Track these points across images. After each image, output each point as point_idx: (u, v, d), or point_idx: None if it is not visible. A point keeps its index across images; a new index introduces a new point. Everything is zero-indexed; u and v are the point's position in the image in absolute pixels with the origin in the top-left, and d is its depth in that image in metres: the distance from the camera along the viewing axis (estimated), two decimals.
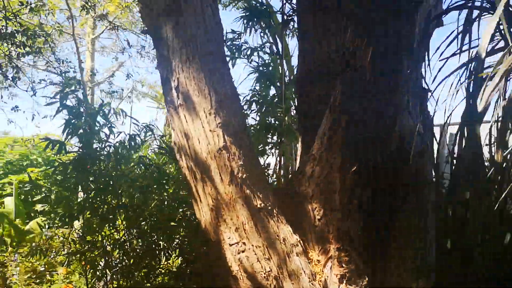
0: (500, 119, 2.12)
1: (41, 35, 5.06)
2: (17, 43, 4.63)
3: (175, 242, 3.34)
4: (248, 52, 3.45)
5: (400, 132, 2.24)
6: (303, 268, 2.02)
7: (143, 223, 3.37)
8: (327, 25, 2.69)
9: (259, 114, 3.44)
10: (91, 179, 3.27)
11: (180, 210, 3.42)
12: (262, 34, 3.60)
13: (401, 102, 2.21)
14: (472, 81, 2.03)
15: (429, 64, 2.17)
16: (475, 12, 2.21)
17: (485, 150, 2.31)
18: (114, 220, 3.26)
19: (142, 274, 3.35)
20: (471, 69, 2.10)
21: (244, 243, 2.02)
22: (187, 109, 2.17)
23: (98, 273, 3.34)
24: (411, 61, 2.14)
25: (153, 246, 3.35)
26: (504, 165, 2.16)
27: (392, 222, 2.23)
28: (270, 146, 3.59)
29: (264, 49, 3.62)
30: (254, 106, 3.55)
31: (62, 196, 3.33)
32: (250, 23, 3.30)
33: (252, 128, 3.58)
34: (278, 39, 3.89)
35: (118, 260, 3.38)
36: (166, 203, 3.42)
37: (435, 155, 2.42)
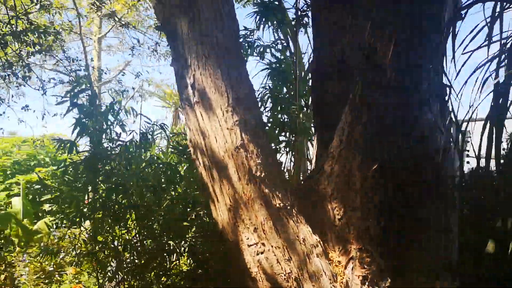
0: None
1: (52, 33, 5.03)
2: (28, 41, 4.60)
3: (187, 243, 3.29)
4: (261, 50, 3.40)
5: (422, 128, 2.18)
6: (324, 269, 1.97)
7: (155, 223, 3.32)
8: (343, 20, 2.62)
9: (274, 111, 3.37)
10: (101, 179, 3.24)
11: (188, 209, 3.36)
12: (275, 30, 3.54)
13: (423, 98, 2.15)
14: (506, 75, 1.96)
15: (453, 58, 2.10)
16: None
17: None
18: (125, 220, 3.22)
19: (153, 274, 3.31)
20: (501, 63, 2.03)
21: (263, 244, 1.97)
22: (203, 106, 2.12)
23: (109, 273, 3.31)
24: (433, 56, 2.08)
25: (165, 246, 3.31)
26: None
27: (413, 221, 2.17)
28: (283, 145, 3.53)
29: (277, 46, 3.56)
30: (265, 103, 3.48)
31: (72, 196, 3.30)
32: (264, 19, 3.25)
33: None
34: (289, 36, 3.83)
35: (129, 260, 3.34)
36: (177, 202, 3.38)
37: (457, 152, 2.35)
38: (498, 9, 2.13)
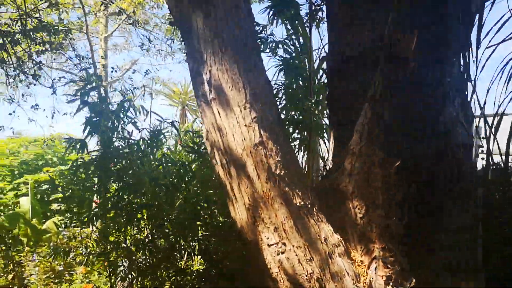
0: None
1: (61, 30, 5.00)
2: (37, 39, 4.57)
3: (200, 242, 3.24)
4: (273, 46, 3.34)
5: (444, 124, 2.13)
6: (346, 270, 1.91)
7: (167, 222, 3.28)
8: (361, 14, 2.55)
9: (288, 108, 3.31)
10: (112, 178, 3.19)
11: (199, 207, 3.31)
12: (289, 25, 3.47)
13: (446, 93, 2.09)
14: None
15: (477, 51, 2.04)
16: None
17: None
18: (138, 220, 3.18)
19: (165, 274, 3.27)
20: None
21: (284, 244, 1.92)
22: (220, 103, 2.07)
23: (121, 273, 3.27)
24: (459, 49, 2.02)
25: (177, 246, 3.27)
26: None
27: (437, 219, 2.11)
28: (297, 142, 3.47)
29: (290, 42, 3.50)
30: (280, 100, 3.42)
31: (82, 196, 3.26)
32: (277, 14, 3.19)
33: None
34: (299, 33, 3.76)
35: (142, 259, 3.30)
36: (189, 201, 3.33)
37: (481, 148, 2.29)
38: None
